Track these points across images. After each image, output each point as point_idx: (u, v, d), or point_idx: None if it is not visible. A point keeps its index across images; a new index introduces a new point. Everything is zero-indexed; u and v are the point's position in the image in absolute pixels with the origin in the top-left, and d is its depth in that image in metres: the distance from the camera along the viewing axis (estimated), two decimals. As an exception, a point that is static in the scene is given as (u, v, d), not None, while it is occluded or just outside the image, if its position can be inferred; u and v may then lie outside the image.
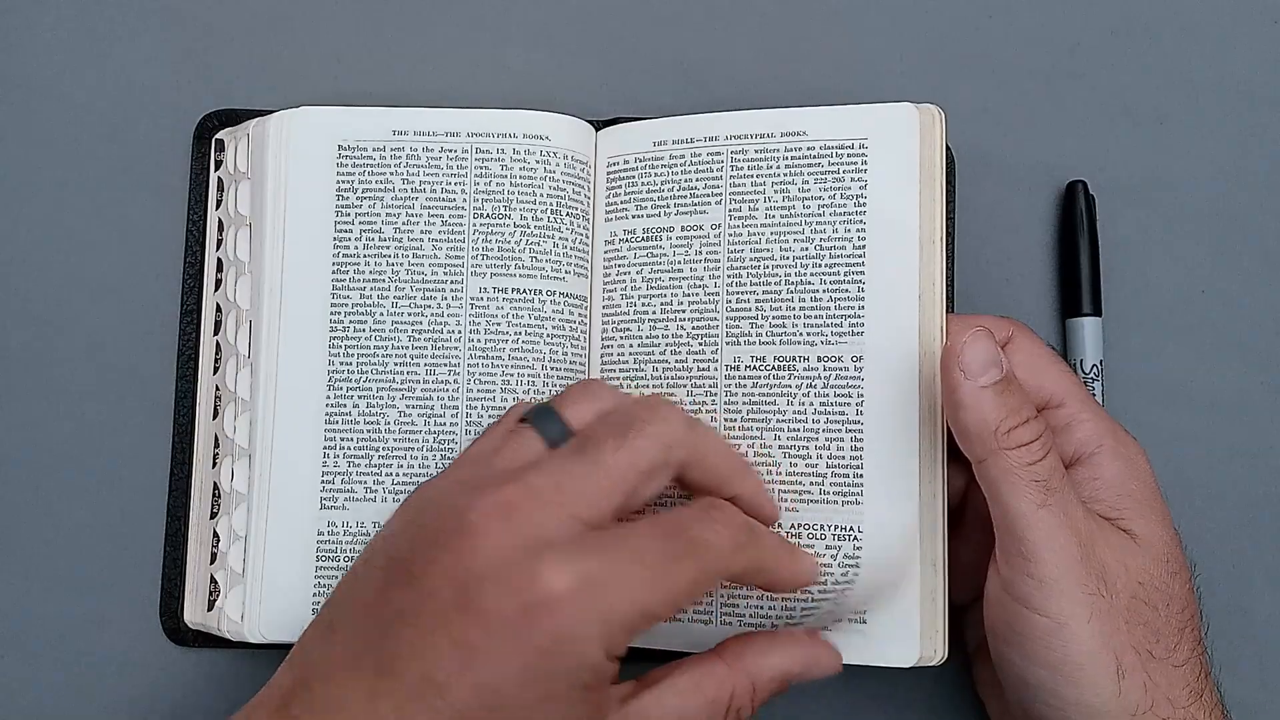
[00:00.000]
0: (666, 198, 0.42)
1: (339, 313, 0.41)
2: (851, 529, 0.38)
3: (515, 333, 0.41)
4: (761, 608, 0.39)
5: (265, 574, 0.40)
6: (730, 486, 0.37)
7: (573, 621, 0.31)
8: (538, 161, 0.42)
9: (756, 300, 0.40)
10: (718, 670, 0.36)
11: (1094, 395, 0.43)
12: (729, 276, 0.41)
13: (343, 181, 0.42)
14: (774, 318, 0.40)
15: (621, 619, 0.32)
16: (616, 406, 0.37)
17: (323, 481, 0.40)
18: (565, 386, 0.41)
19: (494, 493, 0.33)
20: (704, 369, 0.40)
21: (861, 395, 0.39)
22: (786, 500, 0.39)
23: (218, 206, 0.44)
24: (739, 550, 0.34)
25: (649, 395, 0.39)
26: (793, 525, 0.39)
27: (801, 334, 0.40)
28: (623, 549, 0.32)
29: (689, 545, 0.33)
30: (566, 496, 0.33)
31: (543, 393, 0.41)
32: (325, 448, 0.40)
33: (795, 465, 0.39)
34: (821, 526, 0.39)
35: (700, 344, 0.41)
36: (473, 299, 0.41)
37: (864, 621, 0.38)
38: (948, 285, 0.40)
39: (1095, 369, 0.44)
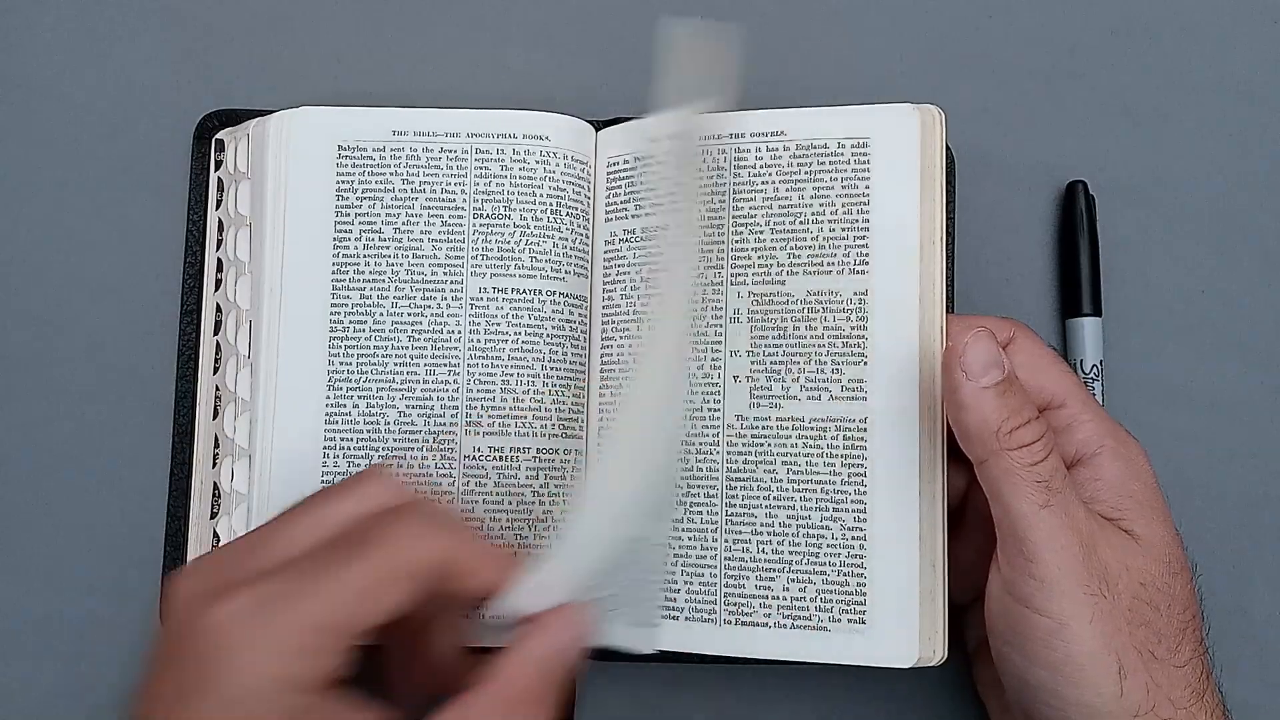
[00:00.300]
0: (666, 196, 0.42)
1: (339, 313, 0.41)
2: (855, 529, 0.38)
3: (515, 333, 0.41)
4: (767, 604, 0.39)
5: (265, 574, 0.40)
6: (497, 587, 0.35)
7: (237, 652, 0.31)
8: (538, 162, 0.42)
9: (759, 297, 0.40)
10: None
11: (1094, 395, 0.43)
12: (731, 276, 0.41)
13: (343, 181, 0.42)
14: (776, 315, 0.40)
15: (289, 639, 0.31)
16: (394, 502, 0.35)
17: (322, 482, 0.40)
18: (564, 387, 0.41)
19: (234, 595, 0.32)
20: (706, 368, 0.40)
21: (867, 393, 0.39)
22: (788, 500, 0.39)
23: (218, 206, 0.44)
24: (421, 538, 0.33)
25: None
26: (795, 525, 0.39)
27: (804, 330, 0.40)
28: (286, 571, 0.32)
29: (360, 543, 0.32)
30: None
31: (542, 393, 0.41)
32: (325, 448, 0.40)
33: (796, 465, 0.39)
34: (825, 526, 0.39)
35: (701, 343, 0.41)
36: (472, 299, 0.41)
37: (863, 622, 0.38)
38: (948, 285, 0.40)
39: (1095, 369, 0.44)
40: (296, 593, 0.31)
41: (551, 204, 0.42)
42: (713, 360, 0.40)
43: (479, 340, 0.41)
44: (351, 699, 0.32)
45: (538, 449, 0.41)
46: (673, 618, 0.40)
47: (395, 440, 0.40)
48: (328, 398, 0.41)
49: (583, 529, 0.36)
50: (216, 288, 0.43)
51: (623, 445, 0.37)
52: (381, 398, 0.41)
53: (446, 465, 0.41)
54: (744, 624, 0.39)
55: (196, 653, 0.31)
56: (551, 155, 0.42)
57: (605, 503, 0.36)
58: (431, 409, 0.41)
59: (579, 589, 0.35)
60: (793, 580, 0.39)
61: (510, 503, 0.41)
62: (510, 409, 0.41)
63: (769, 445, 0.40)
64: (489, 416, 0.41)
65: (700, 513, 0.40)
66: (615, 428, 0.40)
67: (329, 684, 0.32)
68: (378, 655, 0.36)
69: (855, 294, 0.39)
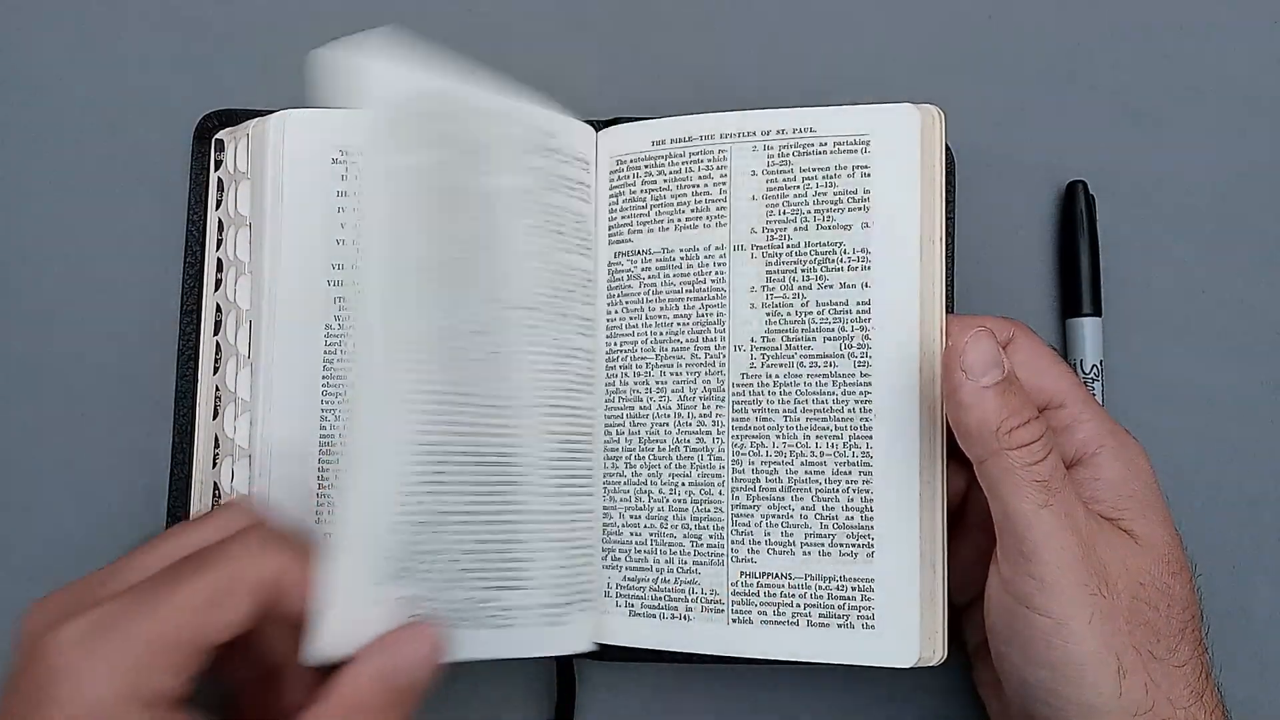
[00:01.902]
0: (668, 198, 0.42)
1: (338, 312, 0.41)
2: (855, 529, 0.38)
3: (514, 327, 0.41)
4: (768, 604, 0.39)
5: (265, 574, 0.40)
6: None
7: (76, 671, 0.31)
8: (538, 160, 0.42)
9: (760, 299, 0.40)
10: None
11: (1094, 395, 0.43)
12: (733, 277, 0.41)
13: (342, 182, 0.42)
14: (778, 317, 0.40)
15: (128, 656, 0.31)
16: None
17: (321, 481, 0.40)
18: (570, 382, 0.41)
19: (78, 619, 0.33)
20: (710, 366, 0.40)
21: (868, 394, 0.39)
22: (790, 501, 0.39)
23: (218, 206, 0.44)
24: (257, 556, 0.33)
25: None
26: (796, 525, 0.39)
27: (806, 332, 0.40)
28: (128, 593, 0.32)
29: (198, 563, 0.33)
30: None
31: (541, 381, 0.40)
32: (322, 448, 0.40)
33: (797, 466, 0.39)
34: (825, 527, 0.39)
35: (705, 339, 0.41)
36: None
37: (864, 622, 0.38)
38: (948, 285, 0.40)
39: (1095, 369, 0.44)
40: (134, 611, 0.32)
41: (552, 203, 0.42)
42: (712, 364, 0.40)
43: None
44: (199, 718, 0.32)
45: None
46: (676, 618, 0.40)
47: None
48: (326, 398, 0.41)
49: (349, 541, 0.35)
50: (216, 288, 0.43)
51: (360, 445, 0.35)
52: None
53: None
54: (746, 624, 0.39)
55: (37, 678, 0.31)
56: (552, 154, 0.42)
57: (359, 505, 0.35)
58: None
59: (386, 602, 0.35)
60: (794, 580, 0.39)
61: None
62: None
63: (771, 446, 0.40)
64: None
65: (705, 512, 0.40)
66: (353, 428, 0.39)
67: (173, 702, 0.32)
68: (229, 684, 0.37)
69: (855, 294, 0.39)
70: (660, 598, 0.40)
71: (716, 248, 0.41)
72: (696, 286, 0.41)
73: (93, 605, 0.32)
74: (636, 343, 0.41)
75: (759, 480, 0.40)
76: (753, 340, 0.40)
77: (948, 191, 0.42)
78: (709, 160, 0.41)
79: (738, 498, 0.40)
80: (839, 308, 0.40)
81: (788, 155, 0.41)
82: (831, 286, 0.40)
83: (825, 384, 0.39)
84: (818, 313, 0.40)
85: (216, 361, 0.43)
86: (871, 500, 0.39)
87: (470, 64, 0.46)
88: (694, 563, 0.40)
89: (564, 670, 0.43)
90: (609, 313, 0.42)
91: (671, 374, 0.41)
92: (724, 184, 0.41)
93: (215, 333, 0.43)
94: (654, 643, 0.40)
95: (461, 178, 0.38)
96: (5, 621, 0.43)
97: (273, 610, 0.33)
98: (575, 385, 0.41)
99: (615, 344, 0.42)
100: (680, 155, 0.42)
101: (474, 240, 0.38)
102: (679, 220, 0.41)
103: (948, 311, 0.39)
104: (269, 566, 0.33)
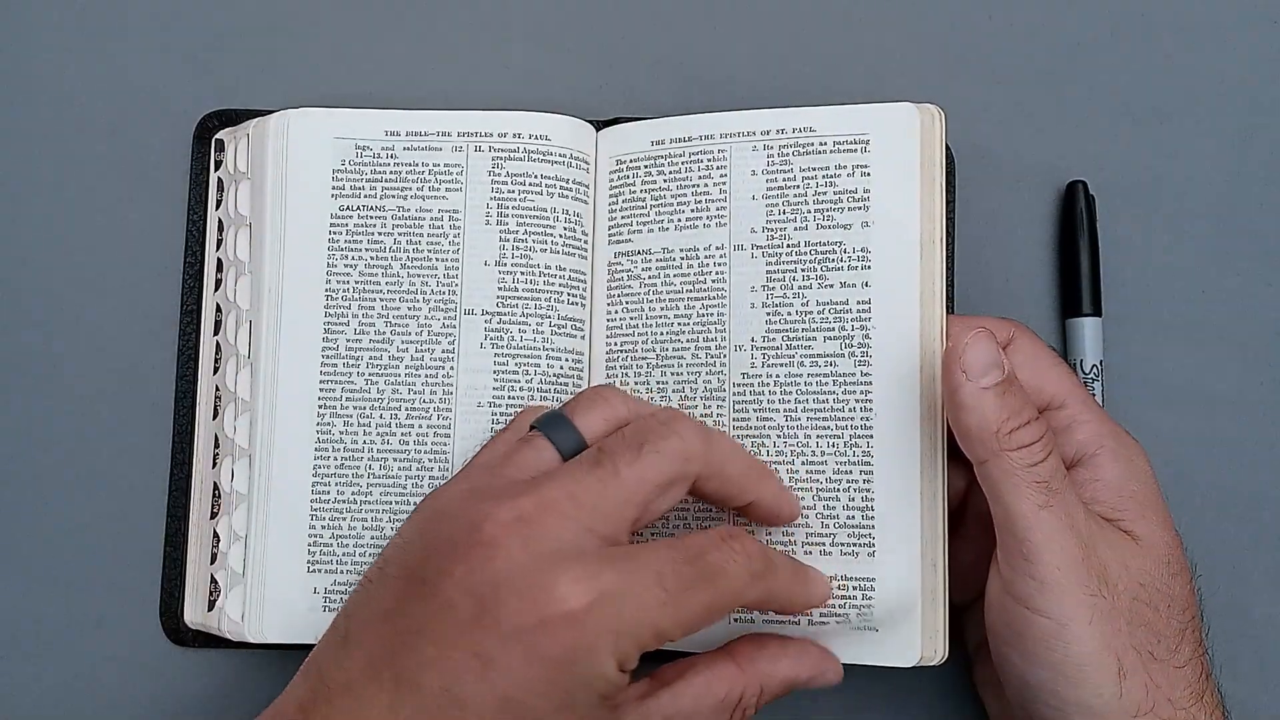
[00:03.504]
0: (668, 198, 0.42)
1: (338, 312, 0.41)
2: (856, 530, 0.38)
3: (513, 325, 0.41)
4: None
5: (266, 574, 0.40)
6: (748, 494, 0.37)
7: (588, 636, 0.31)
8: (539, 160, 0.42)
9: (760, 298, 0.40)
10: (729, 671, 0.36)
11: (1094, 395, 0.43)
12: (734, 277, 0.41)
13: (342, 182, 0.42)
14: (778, 316, 0.40)
15: (635, 637, 0.32)
16: (630, 417, 0.37)
17: (319, 481, 0.40)
18: (561, 380, 0.41)
19: (509, 504, 0.33)
20: (711, 366, 0.40)
21: (868, 394, 0.39)
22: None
23: (218, 206, 0.44)
24: (755, 580, 0.35)
25: (664, 408, 0.39)
26: (798, 526, 0.39)
27: (806, 332, 0.40)
28: (641, 569, 0.33)
29: (706, 573, 0.33)
30: (582, 510, 0.33)
31: (539, 388, 0.41)
32: (319, 447, 0.40)
33: (799, 467, 0.39)
34: (826, 528, 0.39)
35: (705, 339, 0.41)
36: (469, 296, 0.41)
37: (875, 629, 0.38)
38: (948, 285, 0.40)
39: (1095, 369, 0.44)
40: (642, 598, 0.32)
41: (553, 203, 0.42)
42: (713, 364, 0.40)
43: (477, 335, 0.41)
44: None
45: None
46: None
47: (392, 439, 0.40)
48: (325, 397, 0.41)
49: None
50: (216, 288, 0.43)
51: None
52: (378, 397, 0.41)
53: (445, 463, 0.41)
54: (748, 622, 0.39)
55: (539, 622, 0.32)
56: (553, 154, 0.42)
57: None
58: (429, 408, 0.41)
59: None
60: (793, 580, 0.39)
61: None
62: (505, 403, 0.41)
63: (771, 445, 0.40)
64: (488, 415, 0.41)
65: (707, 511, 0.40)
66: None
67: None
68: None
69: (855, 293, 0.39)
70: (660, 598, 0.40)
71: (717, 247, 0.41)
72: (697, 286, 0.41)
73: (578, 544, 0.33)
74: (637, 343, 0.41)
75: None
76: (753, 340, 0.40)
77: (948, 191, 0.42)
78: (709, 160, 0.41)
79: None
80: (839, 307, 0.39)
81: (788, 155, 0.41)
82: (832, 286, 0.40)
83: (826, 383, 0.39)
84: (818, 312, 0.40)
85: (216, 361, 0.43)
86: (872, 500, 0.39)
87: (468, 63, 0.46)
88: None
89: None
90: (609, 313, 0.42)
91: (672, 374, 0.41)
92: (724, 184, 0.41)
93: (215, 333, 0.43)
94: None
95: (403, 201, 0.41)
96: (4, 621, 0.44)
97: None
98: (556, 387, 0.41)
99: (616, 344, 0.42)
100: (680, 155, 0.42)
101: (420, 253, 0.41)
102: (679, 220, 0.41)
103: (948, 311, 0.39)
104: (758, 591, 0.35)
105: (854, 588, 0.38)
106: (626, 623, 0.32)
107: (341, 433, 0.40)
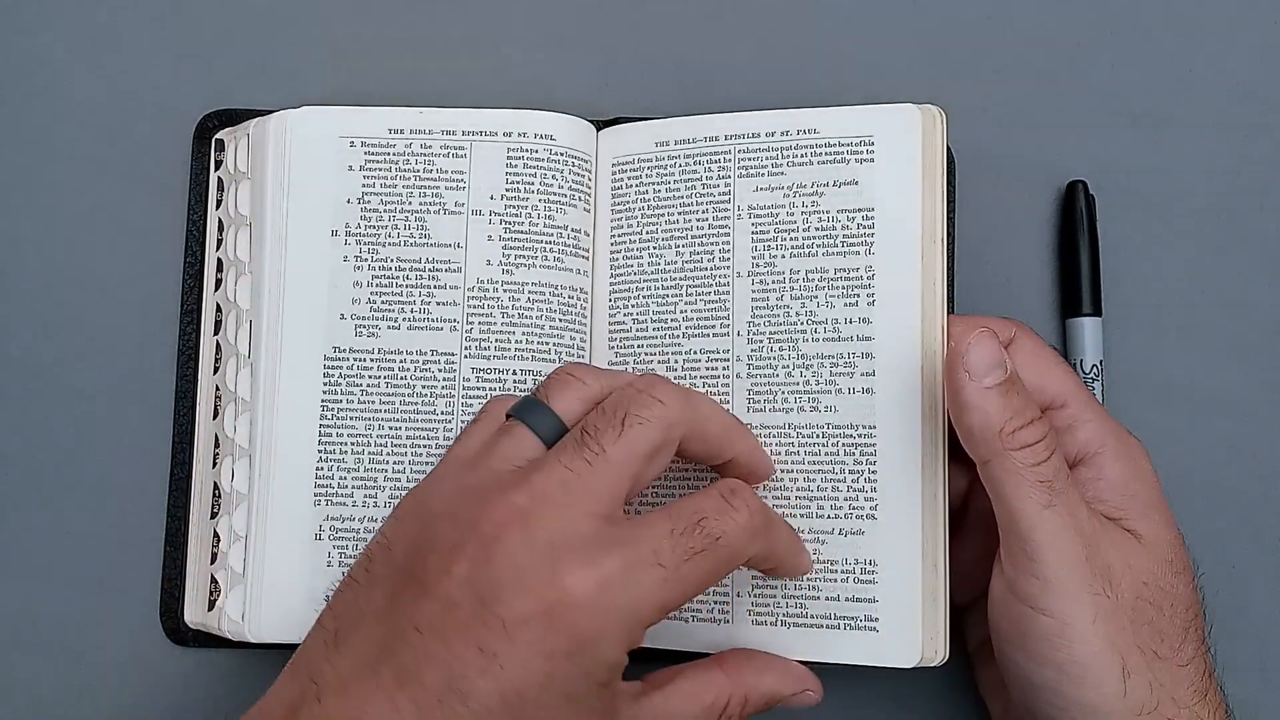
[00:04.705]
0: (669, 198, 0.42)
1: (338, 312, 0.41)
2: (857, 530, 0.38)
3: (516, 327, 0.41)
4: (771, 604, 0.39)
5: (266, 574, 0.40)
6: (727, 452, 0.38)
7: (595, 623, 0.31)
8: (539, 160, 0.42)
9: (762, 299, 0.40)
10: (718, 679, 0.36)
11: (1094, 395, 0.43)
12: (736, 277, 0.41)
13: (342, 181, 0.42)
14: (780, 316, 0.40)
15: (640, 617, 0.32)
16: (605, 391, 0.37)
17: (318, 481, 0.40)
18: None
19: (502, 500, 0.33)
20: (713, 366, 0.40)
21: (870, 393, 0.39)
22: (792, 502, 0.39)
23: (218, 206, 0.44)
24: (754, 538, 0.35)
25: (640, 375, 0.38)
26: (798, 526, 0.39)
27: (807, 332, 0.40)
28: (640, 547, 0.33)
29: (705, 539, 0.34)
30: (575, 496, 0.33)
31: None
32: (322, 447, 0.40)
33: (799, 468, 0.39)
34: (828, 528, 0.39)
35: (707, 338, 0.41)
36: (472, 296, 0.41)
37: (876, 630, 0.38)
38: (948, 285, 0.40)
39: (1095, 369, 0.44)
40: (644, 576, 0.33)
41: (553, 202, 0.42)
42: (714, 365, 0.40)
43: (478, 335, 0.41)
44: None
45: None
46: (680, 619, 0.40)
47: (395, 439, 0.40)
48: (325, 397, 0.41)
49: None
50: (216, 288, 0.43)
51: None
52: (380, 396, 0.41)
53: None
54: (747, 624, 0.39)
55: (544, 614, 0.32)
56: (553, 154, 0.42)
57: None
58: (431, 407, 0.41)
59: None
60: (796, 581, 0.39)
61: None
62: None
63: (773, 448, 0.40)
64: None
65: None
66: None
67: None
68: None
69: (856, 294, 0.39)
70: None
71: (721, 249, 0.41)
72: (699, 286, 0.41)
73: (577, 530, 0.33)
74: (639, 343, 0.41)
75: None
76: (754, 339, 0.40)
77: (948, 191, 0.42)
78: (712, 161, 0.41)
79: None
80: (845, 305, 0.39)
81: (790, 155, 0.41)
82: (833, 286, 0.40)
83: (827, 385, 0.39)
84: (819, 312, 0.40)
85: (216, 361, 0.43)
86: (874, 499, 0.39)
87: (469, 63, 0.46)
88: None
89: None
90: (610, 313, 0.42)
91: (675, 375, 0.41)
92: (728, 184, 0.41)
93: (215, 333, 0.43)
94: (655, 643, 0.40)
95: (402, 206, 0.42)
96: (4, 621, 0.44)
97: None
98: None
99: (616, 344, 0.42)
100: (683, 156, 0.42)
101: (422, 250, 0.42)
102: (682, 221, 0.41)
103: (949, 312, 0.39)
104: (757, 548, 0.35)
105: (856, 590, 0.38)
106: (630, 605, 0.32)
107: (342, 432, 0.40)
